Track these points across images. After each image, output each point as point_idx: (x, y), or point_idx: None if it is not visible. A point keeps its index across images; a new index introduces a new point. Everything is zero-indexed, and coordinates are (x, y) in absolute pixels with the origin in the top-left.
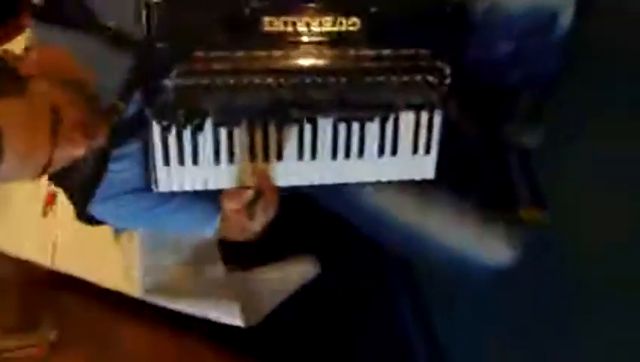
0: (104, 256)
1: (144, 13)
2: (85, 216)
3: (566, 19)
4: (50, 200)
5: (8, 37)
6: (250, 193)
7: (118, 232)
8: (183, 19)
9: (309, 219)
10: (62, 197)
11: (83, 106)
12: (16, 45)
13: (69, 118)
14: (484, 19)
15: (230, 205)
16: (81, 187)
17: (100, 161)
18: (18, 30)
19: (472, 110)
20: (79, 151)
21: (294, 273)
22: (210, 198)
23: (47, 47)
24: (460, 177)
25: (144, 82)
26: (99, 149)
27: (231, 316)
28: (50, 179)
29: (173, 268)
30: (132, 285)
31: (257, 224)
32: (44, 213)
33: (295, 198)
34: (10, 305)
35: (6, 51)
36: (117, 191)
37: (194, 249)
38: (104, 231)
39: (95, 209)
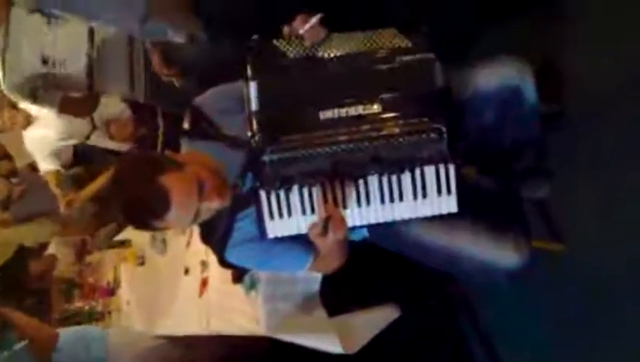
0: (239, 311)
1: (248, 119)
2: (223, 261)
3: (529, 93)
4: (204, 284)
5: None
6: (323, 216)
7: (248, 290)
8: (272, 118)
9: (391, 274)
10: (211, 281)
11: (217, 181)
12: None
13: (208, 186)
14: (471, 97)
15: (313, 231)
16: (218, 239)
17: (229, 221)
18: None
19: (489, 174)
20: (216, 206)
21: (380, 316)
22: (305, 241)
23: (193, 152)
24: (478, 209)
25: (253, 165)
26: (227, 213)
27: (333, 346)
28: (201, 237)
29: (288, 311)
30: (259, 327)
31: (330, 241)
32: (200, 294)
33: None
34: None
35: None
36: (242, 240)
37: (302, 297)
38: (239, 292)
39: (229, 255)
